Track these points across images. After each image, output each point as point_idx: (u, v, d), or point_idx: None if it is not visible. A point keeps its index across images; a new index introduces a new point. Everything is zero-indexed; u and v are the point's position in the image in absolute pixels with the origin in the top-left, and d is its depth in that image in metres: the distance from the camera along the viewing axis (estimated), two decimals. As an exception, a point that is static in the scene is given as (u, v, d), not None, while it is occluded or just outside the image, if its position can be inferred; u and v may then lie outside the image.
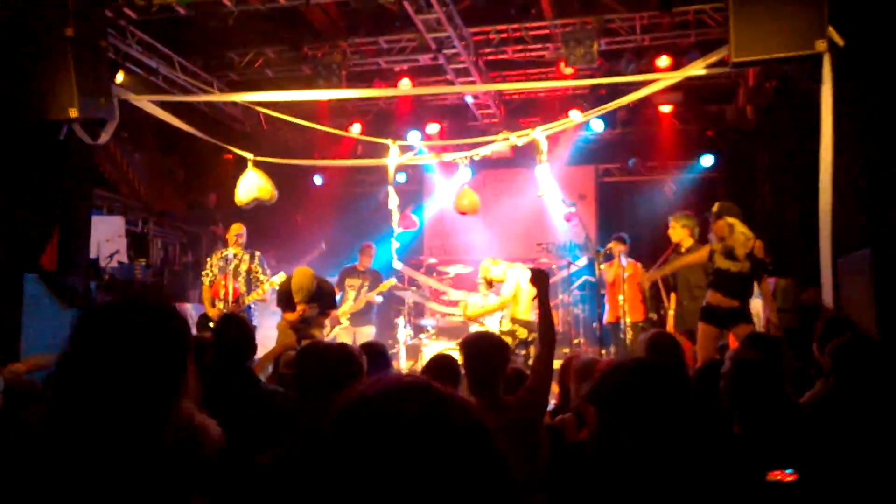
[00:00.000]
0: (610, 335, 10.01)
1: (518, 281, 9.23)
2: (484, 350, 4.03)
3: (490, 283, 9.64)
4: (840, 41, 6.19)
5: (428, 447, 1.09)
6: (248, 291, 9.47)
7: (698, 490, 2.98)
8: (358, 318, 10.19)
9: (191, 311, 10.55)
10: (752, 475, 3.20)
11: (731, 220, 7.71)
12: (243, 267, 9.48)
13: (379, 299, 10.33)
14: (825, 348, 3.89)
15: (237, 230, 9.47)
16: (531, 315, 9.10)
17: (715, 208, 8.12)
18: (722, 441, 3.58)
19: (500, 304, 9.20)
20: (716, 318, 7.55)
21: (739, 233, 7.60)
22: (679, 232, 8.72)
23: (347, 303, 10.05)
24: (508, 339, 8.88)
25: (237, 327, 4.66)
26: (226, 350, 4.46)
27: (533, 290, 9.10)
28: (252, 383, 4.40)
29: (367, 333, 10.11)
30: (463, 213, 10.50)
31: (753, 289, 7.75)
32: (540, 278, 4.59)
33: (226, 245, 9.77)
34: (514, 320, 9.20)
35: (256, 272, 9.47)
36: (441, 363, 4.49)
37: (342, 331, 9.92)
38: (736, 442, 3.47)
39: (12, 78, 8.07)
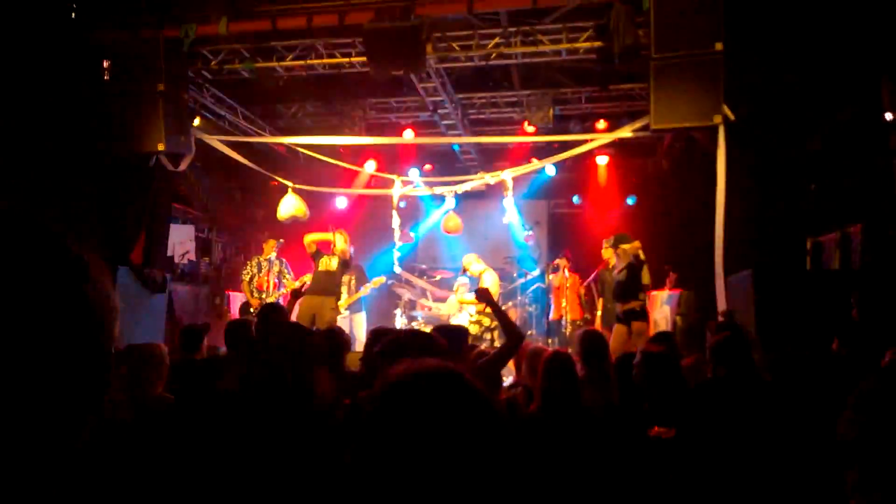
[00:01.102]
0: (554, 329, 10.07)
1: (492, 280, 9.19)
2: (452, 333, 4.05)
3: (465, 270, 9.58)
4: (732, 116, 6.29)
5: (451, 414, 1.03)
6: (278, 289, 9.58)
7: (613, 447, 3.04)
8: (352, 307, 10.09)
9: (241, 298, 10.53)
10: (649, 437, 3.24)
11: (624, 247, 7.88)
12: (275, 269, 9.57)
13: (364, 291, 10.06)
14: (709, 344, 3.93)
15: (274, 244, 9.57)
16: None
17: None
18: (634, 413, 3.61)
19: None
20: (620, 319, 7.70)
21: (625, 252, 7.78)
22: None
23: (343, 297, 9.87)
24: (476, 327, 8.87)
25: (277, 311, 4.69)
26: (269, 328, 4.44)
27: (498, 288, 9.19)
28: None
29: (360, 320, 10.01)
30: (448, 233, 10.54)
31: (637, 290, 7.82)
32: (482, 295, 4.42)
33: (261, 252, 9.81)
34: (480, 312, 9.12)
35: (283, 275, 9.60)
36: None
37: (342, 319, 9.79)
38: (645, 414, 3.51)
39: (117, 120, 8.10)
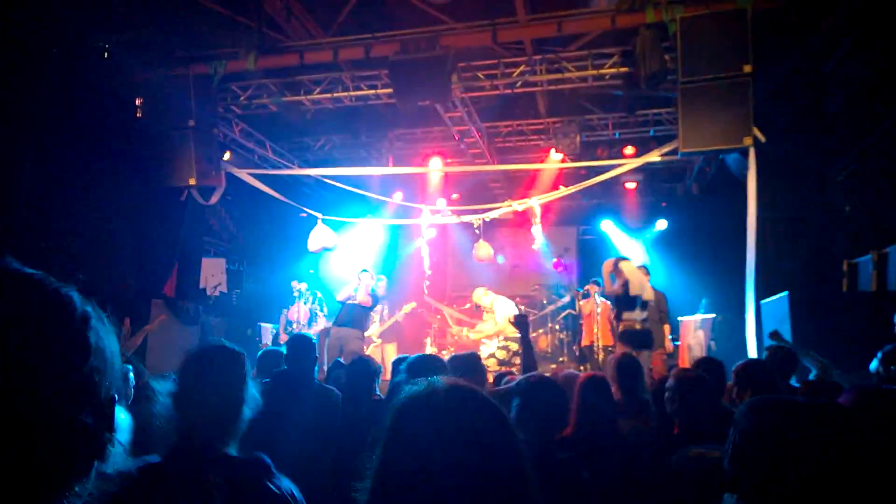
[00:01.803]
0: (586, 356, 9.95)
1: (506, 311, 9.15)
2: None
3: (477, 307, 9.57)
4: (762, 138, 6.23)
5: (462, 424, 1.09)
6: (311, 320, 9.67)
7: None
8: (386, 336, 10.12)
9: (271, 329, 10.60)
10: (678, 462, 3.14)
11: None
12: (309, 301, 9.68)
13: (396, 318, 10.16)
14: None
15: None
16: (514, 332, 9.01)
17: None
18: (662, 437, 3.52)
19: (497, 330, 9.12)
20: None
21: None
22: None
23: (374, 325, 9.94)
24: (503, 353, 8.83)
25: (304, 342, 4.68)
26: (296, 357, 4.45)
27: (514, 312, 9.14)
28: (312, 381, 4.37)
29: (392, 350, 9.99)
30: (480, 261, 10.53)
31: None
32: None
33: (297, 280, 9.93)
34: (506, 338, 9.08)
35: (316, 308, 9.70)
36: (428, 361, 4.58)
37: (375, 348, 9.83)
38: (676, 438, 3.41)
39: (149, 155, 8.27)
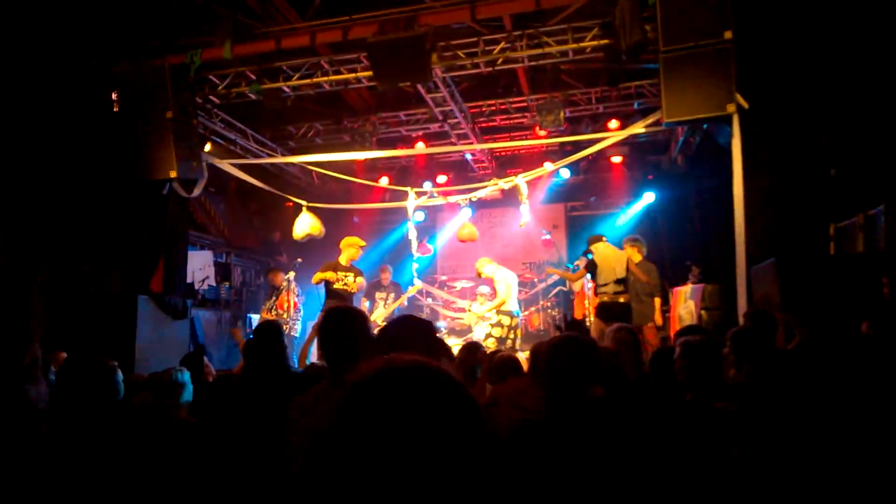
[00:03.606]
0: (576, 329, 9.99)
1: (507, 281, 9.10)
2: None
3: (479, 275, 9.52)
4: (745, 104, 6.21)
5: (424, 408, 1.00)
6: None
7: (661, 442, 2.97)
8: (387, 320, 10.13)
9: (260, 320, 10.58)
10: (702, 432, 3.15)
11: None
12: (294, 289, 9.69)
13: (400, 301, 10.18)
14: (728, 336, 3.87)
15: (282, 276, 9.73)
16: (512, 305, 8.98)
17: (631, 238, 8.56)
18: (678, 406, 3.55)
19: (500, 302, 9.02)
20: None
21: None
22: (629, 250, 8.70)
23: (379, 310, 9.96)
24: (499, 330, 8.78)
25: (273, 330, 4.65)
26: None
27: (516, 289, 9.15)
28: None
29: None
30: (463, 242, 10.49)
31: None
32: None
33: (286, 271, 9.88)
34: (499, 312, 8.98)
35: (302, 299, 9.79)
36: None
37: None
38: (689, 406, 3.43)
39: (127, 148, 8.17)
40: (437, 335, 2.89)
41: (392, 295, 10.19)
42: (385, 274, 10.10)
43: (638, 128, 8.15)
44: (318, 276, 8.58)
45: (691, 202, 11.32)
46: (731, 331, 3.86)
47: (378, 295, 10.07)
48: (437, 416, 0.99)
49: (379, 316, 9.87)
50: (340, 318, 2.80)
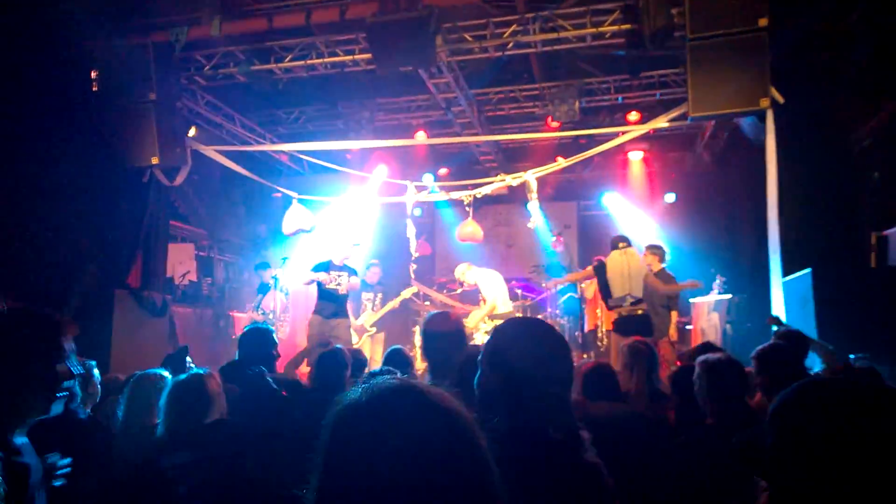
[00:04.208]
0: (590, 342, 9.91)
1: (492, 282, 8.96)
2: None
3: (461, 284, 9.41)
4: (781, 99, 6.09)
5: (415, 437, 1.05)
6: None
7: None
8: (378, 325, 10.02)
9: (245, 319, 10.49)
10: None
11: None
12: (280, 289, 9.62)
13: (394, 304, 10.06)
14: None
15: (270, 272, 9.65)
16: (504, 306, 8.85)
17: (653, 245, 8.38)
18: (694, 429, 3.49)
19: (490, 308, 8.91)
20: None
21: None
22: (649, 256, 8.58)
23: (367, 313, 9.84)
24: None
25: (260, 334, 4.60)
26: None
27: (504, 288, 9.04)
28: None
29: (380, 340, 9.90)
30: (465, 241, 10.37)
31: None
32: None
33: (273, 267, 9.79)
34: (492, 317, 8.87)
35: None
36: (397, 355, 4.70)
37: (367, 338, 9.73)
38: (710, 430, 3.36)
39: (106, 133, 8.11)
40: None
41: (381, 297, 10.06)
42: (373, 272, 9.96)
43: (661, 121, 8.03)
44: (309, 276, 8.49)
45: (718, 204, 11.20)
46: (758, 349, 3.77)
47: (364, 297, 9.91)
48: (421, 445, 1.04)
49: (367, 320, 9.73)
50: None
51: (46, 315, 1.94)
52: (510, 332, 1.90)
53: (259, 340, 4.51)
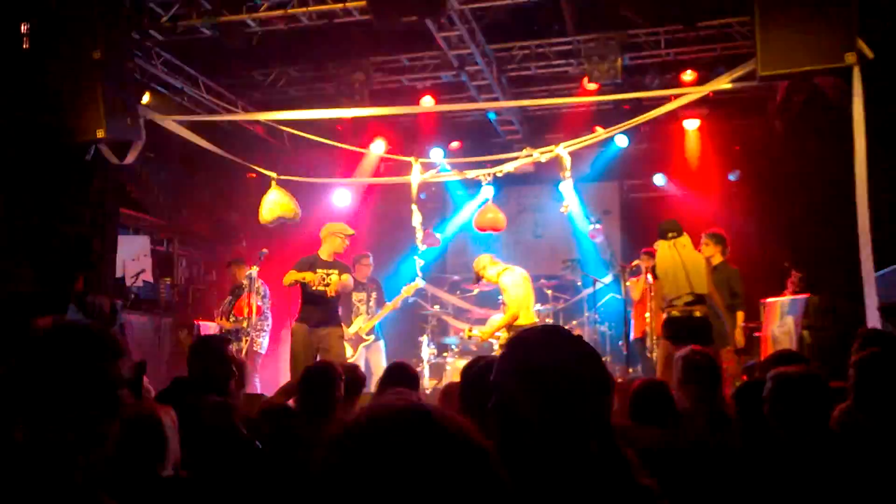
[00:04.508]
0: (636, 352, 9.94)
1: (519, 285, 9.01)
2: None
3: (479, 279, 9.43)
4: (870, 54, 6.13)
5: (423, 475, 1.07)
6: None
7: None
8: (376, 333, 10.10)
9: (214, 328, 10.60)
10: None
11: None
12: (258, 289, 9.69)
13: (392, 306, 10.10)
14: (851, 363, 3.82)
15: (245, 271, 9.78)
16: (526, 318, 8.90)
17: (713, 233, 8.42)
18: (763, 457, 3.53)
19: (511, 317, 8.94)
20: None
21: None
22: (710, 248, 8.62)
23: (361, 317, 9.91)
24: None
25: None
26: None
27: (531, 292, 9.09)
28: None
29: (378, 350, 10.06)
30: (484, 230, 10.42)
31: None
32: None
33: (247, 264, 9.88)
34: (511, 329, 8.88)
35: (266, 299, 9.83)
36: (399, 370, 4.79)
37: (364, 349, 9.81)
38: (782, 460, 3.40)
39: (41, 101, 8.13)
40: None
41: (374, 296, 10.11)
42: (362, 267, 10.03)
43: (723, 82, 8.07)
44: (292, 276, 8.55)
45: (792, 183, 11.21)
46: (856, 357, 3.79)
47: (356, 297, 9.97)
48: (436, 485, 1.06)
49: (362, 327, 9.80)
50: None
51: None
52: (541, 343, 1.97)
53: (205, 355, 4.62)
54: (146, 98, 9.42)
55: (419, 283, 10.02)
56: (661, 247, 8.12)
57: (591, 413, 1.86)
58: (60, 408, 1.82)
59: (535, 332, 2.12)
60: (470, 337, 10.05)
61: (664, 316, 8.11)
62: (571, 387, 1.84)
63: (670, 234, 8.08)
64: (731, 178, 12.42)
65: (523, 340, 2.01)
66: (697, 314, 7.88)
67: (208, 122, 10.01)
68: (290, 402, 5.12)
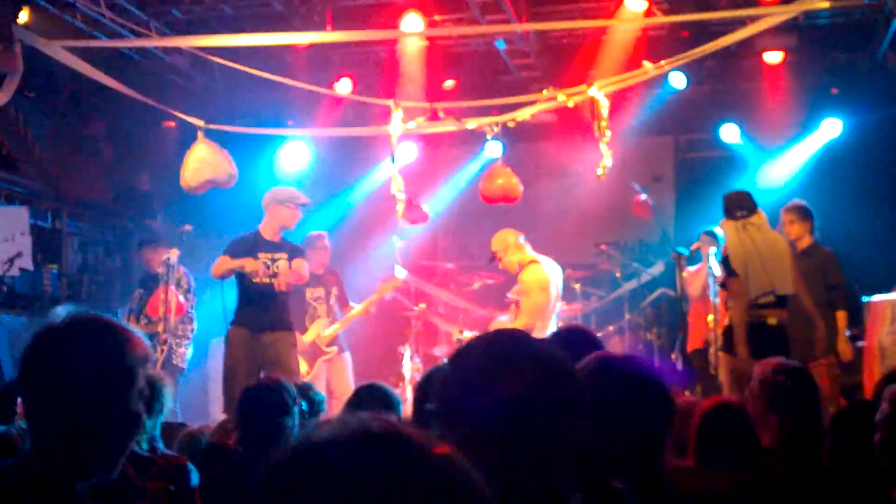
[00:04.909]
0: (695, 368, 9.91)
1: (543, 284, 9.03)
2: None
3: (494, 259, 9.36)
4: None
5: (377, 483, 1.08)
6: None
7: None
8: (340, 343, 10.16)
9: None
10: None
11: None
12: (177, 279, 9.65)
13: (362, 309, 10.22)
14: None
15: (165, 257, 9.70)
16: (542, 329, 8.87)
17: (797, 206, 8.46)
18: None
19: (523, 325, 8.89)
20: None
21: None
22: (794, 226, 8.60)
23: (320, 322, 9.88)
24: None
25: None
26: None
27: (558, 301, 9.09)
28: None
29: (343, 364, 10.22)
30: (492, 202, 10.38)
31: None
32: None
33: (166, 246, 9.84)
34: None
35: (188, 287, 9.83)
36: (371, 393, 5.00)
37: (322, 363, 9.82)
38: None
39: None
40: None
41: (335, 292, 10.09)
42: (317, 251, 9.98)
43: (817, 1, 8.03)
44: (225, 263, 8.51)
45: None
46: None
47: (310, 294, 9.95)
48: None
49: (322, 337, 9.78)
50: None
51: None
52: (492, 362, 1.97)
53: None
54: (24, 16, 9.29)
55: (399, 276, 10.00)
56: (728, 229, 8.07)
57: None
58: None
59: (486, 342, 2.13)
60: (460, 340, 10.01)
61: (725, 322, 8.11)
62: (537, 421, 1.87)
63: (738, 213, 8.04)
64: (828, 132, 12.37)
65: (470, 355, 2.02)
66: (772, 320, 7.85)
67: (110, 50, 9.91)
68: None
